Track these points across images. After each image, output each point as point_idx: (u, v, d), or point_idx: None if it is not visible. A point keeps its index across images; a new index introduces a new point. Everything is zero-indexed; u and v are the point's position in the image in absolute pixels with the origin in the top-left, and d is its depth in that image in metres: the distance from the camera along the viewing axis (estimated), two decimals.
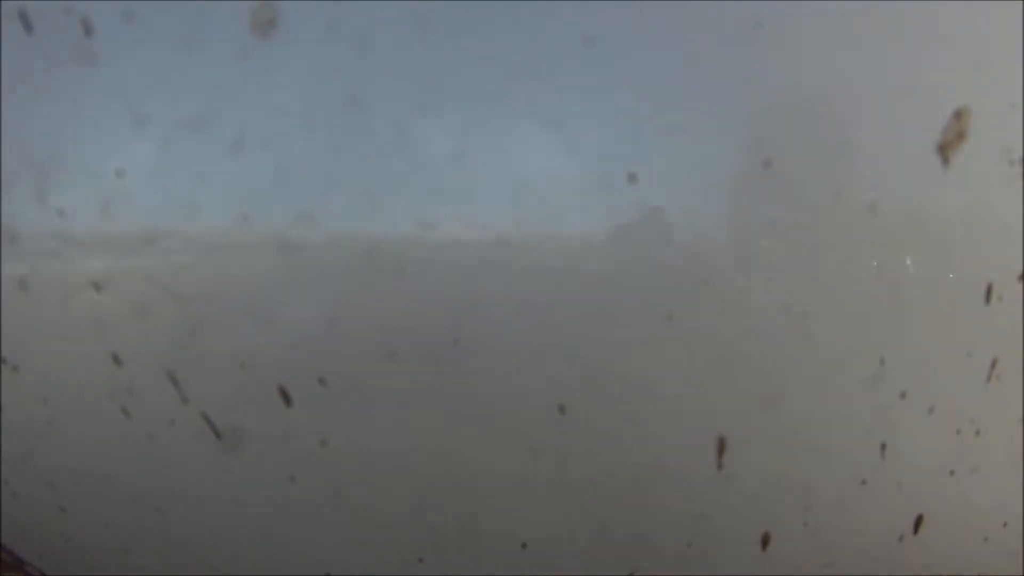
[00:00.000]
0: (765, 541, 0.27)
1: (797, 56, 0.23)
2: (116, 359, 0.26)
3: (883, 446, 0.26)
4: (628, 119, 0.23)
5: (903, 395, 0.25)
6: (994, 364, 0.26)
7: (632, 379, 0.24)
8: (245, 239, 0.24)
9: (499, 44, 0.23)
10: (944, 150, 0.23)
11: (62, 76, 0.25)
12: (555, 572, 0.28)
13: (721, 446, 0.25)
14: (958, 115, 0.23)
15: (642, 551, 0.27)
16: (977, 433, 0.27)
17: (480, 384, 0.25)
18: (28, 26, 0.25)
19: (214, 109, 0.24)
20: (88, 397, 0.28)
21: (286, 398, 0.25)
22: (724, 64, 0.23)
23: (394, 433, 0.26)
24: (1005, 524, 0.29)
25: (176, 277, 0.25)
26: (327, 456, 0.26)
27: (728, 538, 0.27)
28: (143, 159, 0.24)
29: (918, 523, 0.28)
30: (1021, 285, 0.25)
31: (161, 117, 0.24)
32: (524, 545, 0.27)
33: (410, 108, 0.23)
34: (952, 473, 0.27)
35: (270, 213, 0.24)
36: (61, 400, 0.28)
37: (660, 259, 0.23)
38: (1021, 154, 0.24)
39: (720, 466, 0.25)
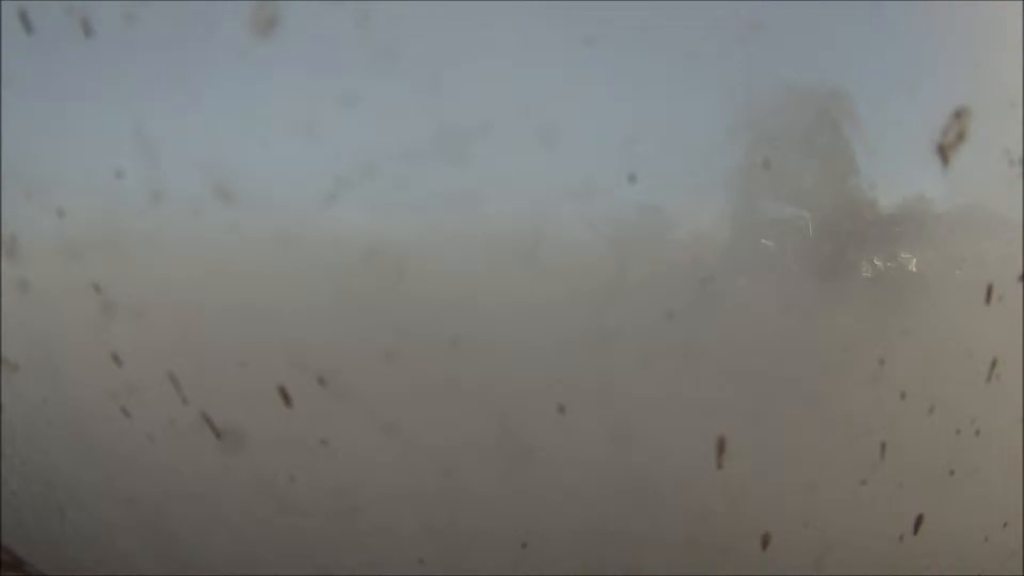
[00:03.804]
0: (765, 541, 0.27)
1: (797, 56, 0.23)
2: (116, 359, 0.26)
3: (883, 446, 0.26)
4: (628, 119, 0.23)
5: (903, 395, 0.25)
6: (994, 364, 0.26)
7: (632, 379, 0.24)
8: (245, 239, 0.24)
9: (499, 44, 0.23)
10: (944, 150, 0.23)
11: (62, 76, 0.25)
12: (555, 572, 0.28)
13: (721, 446, 0.25)
14: (958, 115, 0.23)
15: (642, 551, 0.27)
16: (977, 433, 0.27)
17: (480, 384, 0.25)
18: (28, 26, 0.25)
19: (214, 109, 0.24)
20: (88, 397, 0.28)
21: (286, 398, 0.25)
22: (724, 64, 0.23)
23: (394, 433, 0.26)
24: (1005, 524, 0.29)
25: (176, 277, 0.25)
26: (327, 456, 0.26)
27: (728, 538, 0.27)
28: (143, 159, 0.24)
29: (918, 523, 0.28)
30: (1021, 285, 0.25)
31: (161, 117, 0.24)
32: (524, 545, 0.27)
33: (410, 108, 0.23)
34: (952, 473, 0.27)
35: (270, 213, 0.24)
36: (61, 400, 0.28)
37: (660, 259, 0.23)
38: (1021, 154, 0.24)
39: (720, 466, 0.25)
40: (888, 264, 0.24)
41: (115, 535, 0.31)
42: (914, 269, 0.24)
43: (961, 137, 0.23)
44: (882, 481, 0.27)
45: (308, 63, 0.23)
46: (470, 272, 0.23)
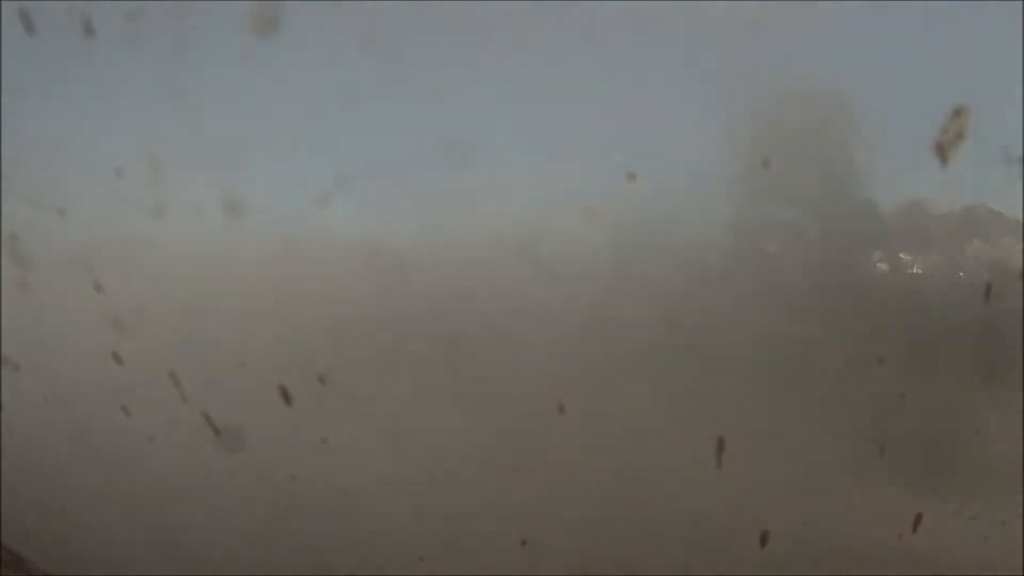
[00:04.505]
0: (764, 540, 0.27)
1: (797, 56, 0.23)
2: (116, 359, 0.26)
3: (883, 446, 0.26)
4: (628, 119, 0.23)
5: (903, 395, 0.25)
6: (994, 364, 0.26)
7: (632, 379, 0.24)
8: (245, 238, 0.24)
9: (499, 44, 0.23)
10: (944, 149, 0.23)
11: (62, 76, 0.25)
12: (555, 571, 0.28)
13: (721, 446, 0.25)
14: (958, 114, 0.23)
15: (642, 551, 0.27)
16: (977, 433, 0.27)
17: (480, 384, 0.25)
18: (28, 26, 0.25)
19: (214, 109, 0.24)
20: (88, 397, 0.28)
21: (286, 398, 0.25)
22: (724, 64, 0.23)
23: (394, 433, 0.26)
24: (1004, 524, 0.29)
25: (176, 276, 0.25)
26: (327, 456, 0.26)
27: (728, 538, 0.27)
28: (143, 159, 0.24)
29: (917, 523, 0.28)
30: (1021, 285, 0.25)
31: (161, 117, 0.24)
32: (524, 543, 0.27)
33: (410, 108, 0.23)
34: (951, 473, 0.27)
35: (271, 212, 0.24)
36: (61, 400, 0.28)
37: (660, 259, 0.23)
38: (1021, 153, 0.24)
39: (720, 466, 0.25)
40: (888, 263, 0.24)
41: (115, 534, 0.31)
42: (914, 269, 0.24)
43: (960, 135, 0.23)
44: (882, 481, 0.27)
45: (310, 64, 0.23)
46: (470, 272, 0.24)
